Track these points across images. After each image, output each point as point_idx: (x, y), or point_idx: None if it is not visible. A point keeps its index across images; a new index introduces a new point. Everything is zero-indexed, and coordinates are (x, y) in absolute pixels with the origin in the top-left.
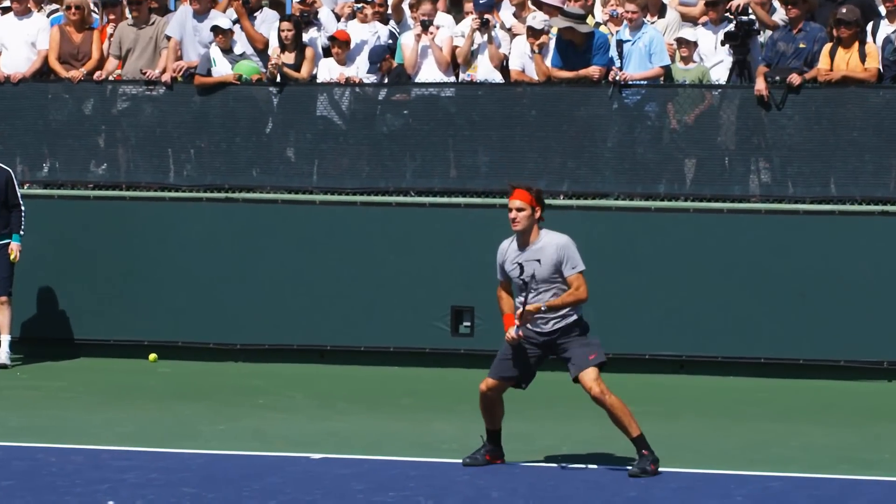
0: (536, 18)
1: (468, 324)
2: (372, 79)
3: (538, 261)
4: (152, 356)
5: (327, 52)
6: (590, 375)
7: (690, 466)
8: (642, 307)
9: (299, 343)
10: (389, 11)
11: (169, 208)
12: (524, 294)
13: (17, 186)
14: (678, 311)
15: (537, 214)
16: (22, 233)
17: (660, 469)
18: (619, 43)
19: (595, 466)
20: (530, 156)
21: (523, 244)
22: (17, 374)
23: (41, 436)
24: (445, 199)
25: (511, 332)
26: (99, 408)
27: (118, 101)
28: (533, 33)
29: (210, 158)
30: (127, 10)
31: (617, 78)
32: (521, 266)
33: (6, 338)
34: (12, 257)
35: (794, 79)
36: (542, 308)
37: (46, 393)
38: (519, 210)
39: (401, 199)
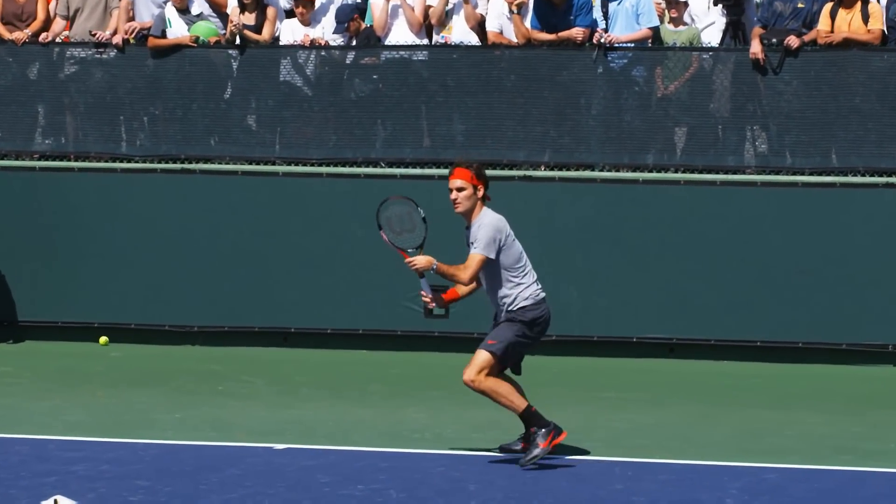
0: None
1: None
2: (339, 41)
3: (472, 243)
4: (103, 339)
5: (290, 13)
6: (475, 358)
7: (680, 457)
8: (629, 287)
9: (261, 325)
10: None
11: (120, 181)
12: None
13: None
14: (668, 291)
15: (480, 192)
16: None
17: (558, 440)
18: (605, 2)
19: (579, 457)
20: (509, 124)
21: (467, 224)
22: None
23: None
24: (418, 171)
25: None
26: (45, 395)
27: (66, 66)
28: None
29: (165, 127)
30: None
31: (602, 40)
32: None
33: None
34: None
35: (793, 41)
36: (433, 268)
37: None
38: (459, 189)
39: (370, 170)
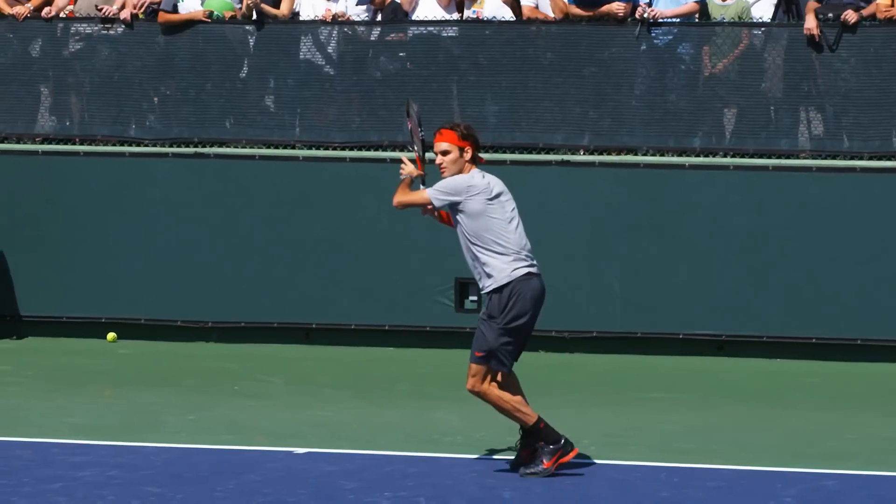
0: None
1: (475, 298)
2: (363, 16)
3: None
4: (111, 335)
5: None
6: (469, 369)
7: (731, 462)
8: (675, 280)
9: (280, 321)
10: None
11: (129, 165)
12: None
13: None
14: (716, 284)
15: (467, 155)
16: None
17: (565, 459)
18: None
19: (622, 462)
20: (545, 105)
21: None
22: None
23: None
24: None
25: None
26: (49, 395)
27: (70, 42)
28: None
29: (176, 108)
30: None
31: (645, 15)
32: None
33: None
34: None
35: (850, 16)
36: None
37: None
38: (444, 153)
39: (397, 154)
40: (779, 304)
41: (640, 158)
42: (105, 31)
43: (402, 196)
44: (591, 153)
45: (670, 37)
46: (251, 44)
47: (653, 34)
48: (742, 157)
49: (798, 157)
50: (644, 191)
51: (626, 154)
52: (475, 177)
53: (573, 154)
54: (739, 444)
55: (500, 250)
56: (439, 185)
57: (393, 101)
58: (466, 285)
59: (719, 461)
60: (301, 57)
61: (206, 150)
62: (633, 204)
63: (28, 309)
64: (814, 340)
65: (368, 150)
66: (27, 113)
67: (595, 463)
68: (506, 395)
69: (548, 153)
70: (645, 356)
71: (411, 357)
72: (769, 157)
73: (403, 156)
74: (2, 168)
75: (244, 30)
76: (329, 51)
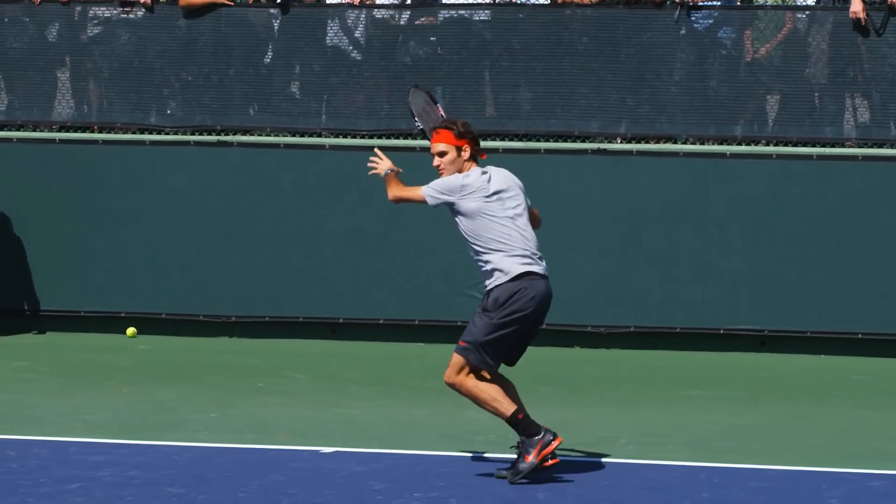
0: None
1: None
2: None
3: None
4: (130, 330)
5: None
6: (451, 359)
7: (774, 462)
8: (716, 273)
9: (306, 315)
10: None
11: (150, 154)
12: None
13: None
14: (759, 278)
15: (465, 153)
16: None
17: (547, 450)
18: None
19: (660, 462)
20: (581, 91)
21: None
22: None
23: None
24: (480, 144)
25: None
26: (66, 392)
27: (88, 26)
28: None
29: (198, 95)
30: None
31: None
32: None
33: None
34: None
35: None
36: (385, 173)
37: (3, 374)
38: (441, 154)
39: (426, 143)
40: (823, 299)
41: (679, 147)
42: (124, 15)
43: (397, 191)
44: (629, 141)
45: (711, 20)
46: (276, 28)
47: (692, 18)
48: (785, 145)
49: (843, 146)
50: (683, 180)
51: (664, 142)
52: (471, 175)
53: (610, 142)
54: (782, 444)
55: (502, 248)
56: (435, 183)
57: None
58: None
59: (761, 461)
60: (328, 42)
61: (229, 138)
62: (672, 194)
63: (44, 303)
64: (860, 336)
65: (398, 138)
66: (44, 100)
67: (632, 463)
68: (482, 385)
69: (583, 141)
70: (684, 352)
71: (442, 353)
72: (813, 146)
73: (378, 149)
74: (18, 157)
75: (269, 13)
76: (356, 35)
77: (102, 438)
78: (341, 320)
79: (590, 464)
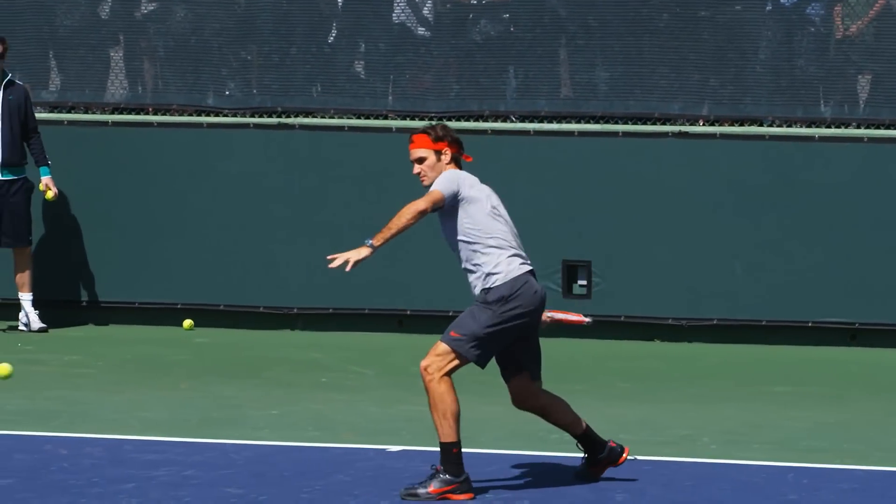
0: None
1: (584, 282)
2: None
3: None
4: (187, 323)
5: None
6: (437, 346)
7: (865, 462)
8: (803, 262)
9: (371, 307)
10: None
11: (207, 137)
12: None
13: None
14: (849, 268)
15: (446, 157)
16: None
17: (453, 497)
18: None
19: (745, 462)
20: (661, 71)
21: None
22: (18, 344)
23: (48, 423)
24: (555, 126)
25: None
26: (120, 388)
27: (143, 3)
28: None
29: (259, 74)
30: None
31: None
32: None
33: (28, 297)
34: (50, 195)
35: None
36: (368, 243)
37: (55, 369)
38: (419, 161)
39: (499, 125)
40: None
41: (765, 130)
42: None
43: (418, 204)
44: (712, 124)
45: None
46: (340, 4)
47: None
48: (877, 128)
49: None
50: (769, 165)
51: (749, 125)
52: (460, 171)
53: (692, 125)
54: (874, 443)
55: (501, 245)
56: (434, 184)
57: (494, 68)
58: (575, 268)
59: (852, 461)
60: (394, 19)
61: (291, 120)
62: (757, 179)
63: (96, 294)
64: None
65: (468, 120)
66: (96, 80)
67: (715, 463)
68: (449, 398)
69: (664, 124)
70: (770, 346)
71: None
72: None
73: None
74: (69, 140)
75: None
76: (424, 12)
77: (158, 436)
78: (409, 312)
79: (670, 464)
